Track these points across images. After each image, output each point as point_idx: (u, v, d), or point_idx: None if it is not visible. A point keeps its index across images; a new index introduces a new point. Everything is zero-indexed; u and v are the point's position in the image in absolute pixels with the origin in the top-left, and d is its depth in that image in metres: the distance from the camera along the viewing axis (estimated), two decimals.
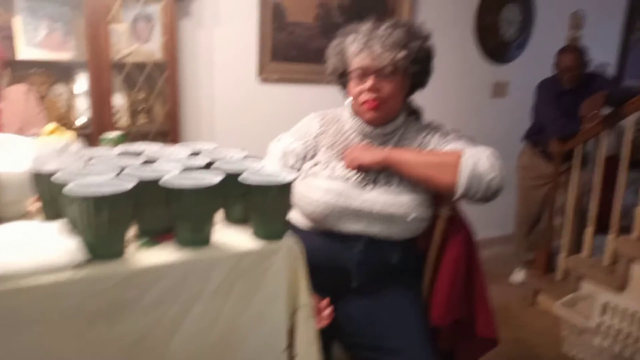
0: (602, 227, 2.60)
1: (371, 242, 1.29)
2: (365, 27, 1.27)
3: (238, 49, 2.63)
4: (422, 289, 1.39)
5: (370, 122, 1.32)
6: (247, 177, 0.99)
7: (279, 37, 2.64)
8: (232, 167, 1.04)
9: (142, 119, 2.39)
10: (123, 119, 2.33)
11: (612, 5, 3.96)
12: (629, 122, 2.41)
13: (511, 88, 3.59)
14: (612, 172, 2.47)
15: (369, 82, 1.26)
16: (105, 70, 2.14)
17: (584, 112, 2.46)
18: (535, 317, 2.78)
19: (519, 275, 3.20)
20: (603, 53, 3.91)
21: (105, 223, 0.84)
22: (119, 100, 2.30)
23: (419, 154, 1.29)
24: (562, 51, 2.80)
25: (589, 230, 2.63)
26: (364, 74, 1.26)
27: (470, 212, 1.44)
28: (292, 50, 2.69)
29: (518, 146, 3.12)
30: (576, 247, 2.76)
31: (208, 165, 1.07)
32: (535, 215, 3.11)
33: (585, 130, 2.57)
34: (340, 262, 1.30)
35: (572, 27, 3.71)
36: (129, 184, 0.87)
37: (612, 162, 2.53)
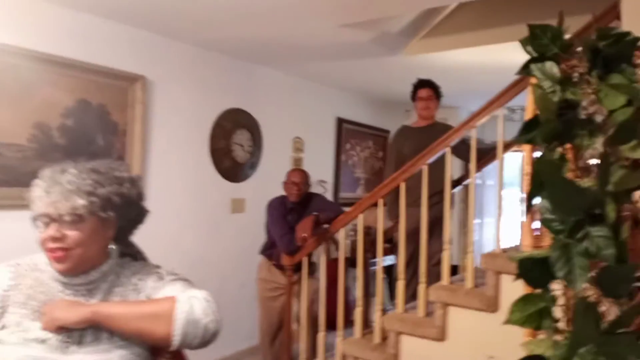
0: (334, 326, 2.87)
1: None
2: (50, 170, 1.19)
3: None
4: None
5: (61, 273, 1.20)
6: None
7: None
8: None
9: None
10: None
11: (325, 132, 4.76)
12: (340, 234, 2.87)
13: (248, 204, 3.85)
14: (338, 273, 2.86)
15: (50, 231, 1.15)
16: None
17: (297, 236, 2.82)
18: None
19: None
20: (322, 172, 4.59)
21: None
22: None
23: (130, 306, 1.21)
24: (292, 170, 3.30)
25: (321, 335, 2.87)
26: (49, 221, 1.16)
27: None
28: None
29: (258, 258, 3.29)
30: (313, 351, 2.96)
31: None
32: (276, 325, 3.24)
33: (308, 244, 2.89)
34: None
35: (295, 150, 4.29)
36: None
37: (336, 264, 2.89)
